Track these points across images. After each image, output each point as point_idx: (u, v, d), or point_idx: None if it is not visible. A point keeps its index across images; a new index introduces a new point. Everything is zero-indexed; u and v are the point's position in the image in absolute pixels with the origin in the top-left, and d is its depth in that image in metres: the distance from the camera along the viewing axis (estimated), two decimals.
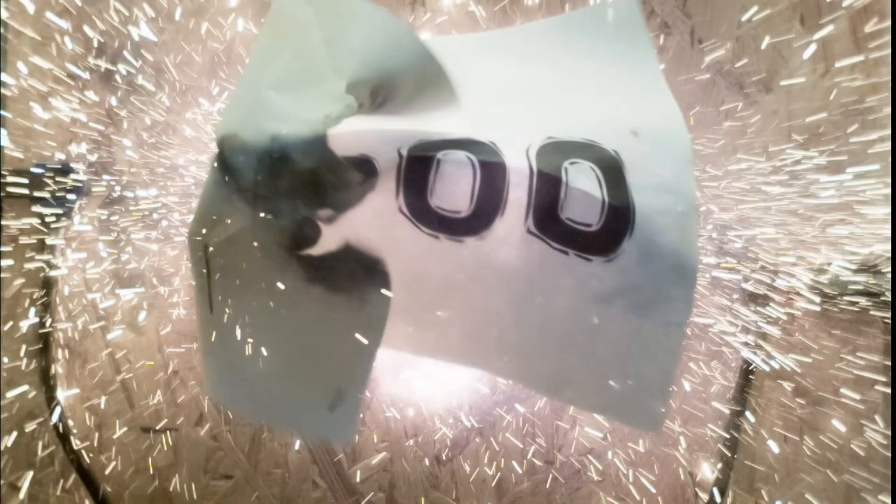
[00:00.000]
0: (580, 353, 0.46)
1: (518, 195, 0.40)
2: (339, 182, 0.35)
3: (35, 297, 0.67)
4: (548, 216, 0.41)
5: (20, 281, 0.68)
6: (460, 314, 0.45)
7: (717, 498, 0.64)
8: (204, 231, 0.38)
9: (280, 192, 0.34)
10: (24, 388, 0.69)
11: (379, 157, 0.39)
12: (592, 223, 0.41)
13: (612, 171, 0.41)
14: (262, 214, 0.35)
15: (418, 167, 0.39)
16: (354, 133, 0.37)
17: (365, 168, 0.38)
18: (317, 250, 0.38)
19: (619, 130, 0.44)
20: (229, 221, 0.36)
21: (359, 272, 0.39)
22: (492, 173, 0.40)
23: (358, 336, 0.41)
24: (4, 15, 0.66)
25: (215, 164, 0.36)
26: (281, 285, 0.39)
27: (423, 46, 0.38)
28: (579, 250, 0.42)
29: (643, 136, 0.44)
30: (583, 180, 0.41)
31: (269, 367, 0.41)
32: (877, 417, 0.62)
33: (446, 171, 0.39)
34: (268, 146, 0.33)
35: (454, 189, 0.40)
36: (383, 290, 0.40)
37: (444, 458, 0.68)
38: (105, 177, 0.67)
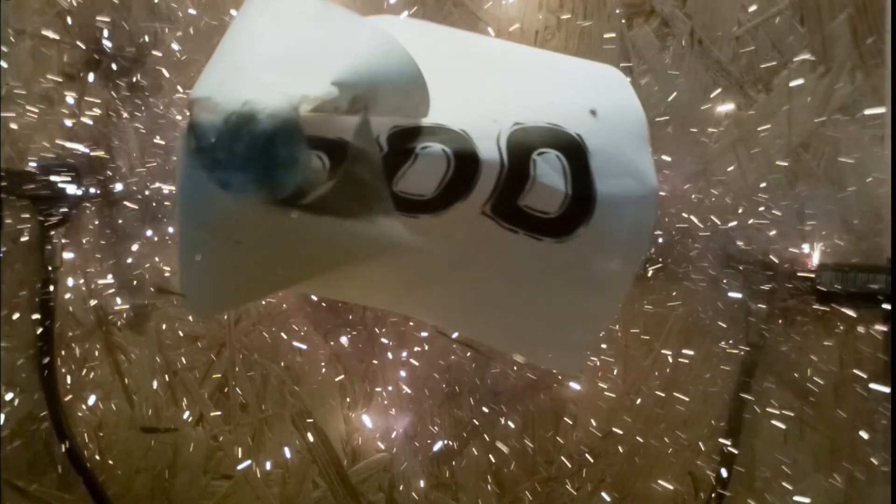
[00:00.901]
0: (511, 310, 0.47)
1: (485, 187, 0.41)
2: (290, 159, 0.34)
3: (35, 297, 0.68)
4: (506, 203, 0.41)
5: (20, 281, 0.68)
6: (394, 268, 0.45)
7: (718, 498, 0.64)
8: (191, 204, 0.37)
9: (235, 156, 0.34)
10: (25, 388, 0.69)
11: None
12: (551, 212, 0.41)
13: (577, 158, 0.42)
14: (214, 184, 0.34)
15: (394, 160, 0.39)
16: (332, 116, 0.36)
17: (338, 152, 0.37)
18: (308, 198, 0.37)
19: (579, 112, 0.44)
20: (208, 194, 0.35)
21: (354, 206, 0.38)
22: (465, 167, 0.40)
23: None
24: (4, 15, 0.66)
25: (185, 132, 0.35)
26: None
27: (413, 64, 0.38)
28: (530, 231, 0.42)
29: (602, 115, 0.44)
30: (550, 174, 0.41)
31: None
32: (876, 417, 0.62)
33: (421, 165, 0.39)
34: (237, 108, 0.33)
35: (424, 180, 0.40)
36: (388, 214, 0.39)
37: (443, 458, 0.68)
38: (105, 176, 0.67)
